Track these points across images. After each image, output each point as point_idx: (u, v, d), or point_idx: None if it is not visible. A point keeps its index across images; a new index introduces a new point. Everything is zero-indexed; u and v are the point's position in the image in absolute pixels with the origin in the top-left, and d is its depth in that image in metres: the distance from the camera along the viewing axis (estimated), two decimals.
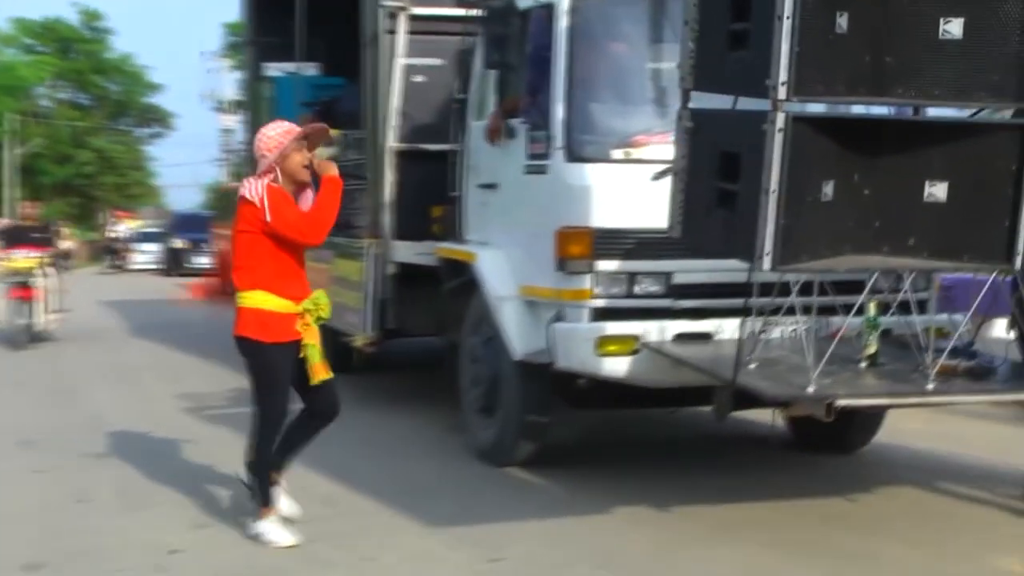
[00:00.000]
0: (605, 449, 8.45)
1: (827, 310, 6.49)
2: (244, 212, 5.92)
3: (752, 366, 6.11)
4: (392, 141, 8.97)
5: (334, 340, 10.56)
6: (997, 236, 5.06)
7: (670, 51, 7.16)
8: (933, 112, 5.32)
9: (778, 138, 4.71)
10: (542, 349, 7.07)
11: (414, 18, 8.93)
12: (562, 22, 7.04)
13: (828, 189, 4.88)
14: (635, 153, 6.94)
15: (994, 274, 6.10)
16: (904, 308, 6.58)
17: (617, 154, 6.94)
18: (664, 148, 6.86)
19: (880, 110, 5.56)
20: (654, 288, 6.91)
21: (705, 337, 6.82)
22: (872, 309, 6.41)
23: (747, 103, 5.16)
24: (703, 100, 5.56)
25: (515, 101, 7.41)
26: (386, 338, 9.24)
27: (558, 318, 6.96)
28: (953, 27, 4.74)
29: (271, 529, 6.09)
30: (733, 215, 5.11)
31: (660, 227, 6.70)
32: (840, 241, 5.08)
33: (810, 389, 5.68)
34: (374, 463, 7.63)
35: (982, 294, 6.14)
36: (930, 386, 5.86)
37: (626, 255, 6.85)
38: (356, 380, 10.39)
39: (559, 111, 6.98)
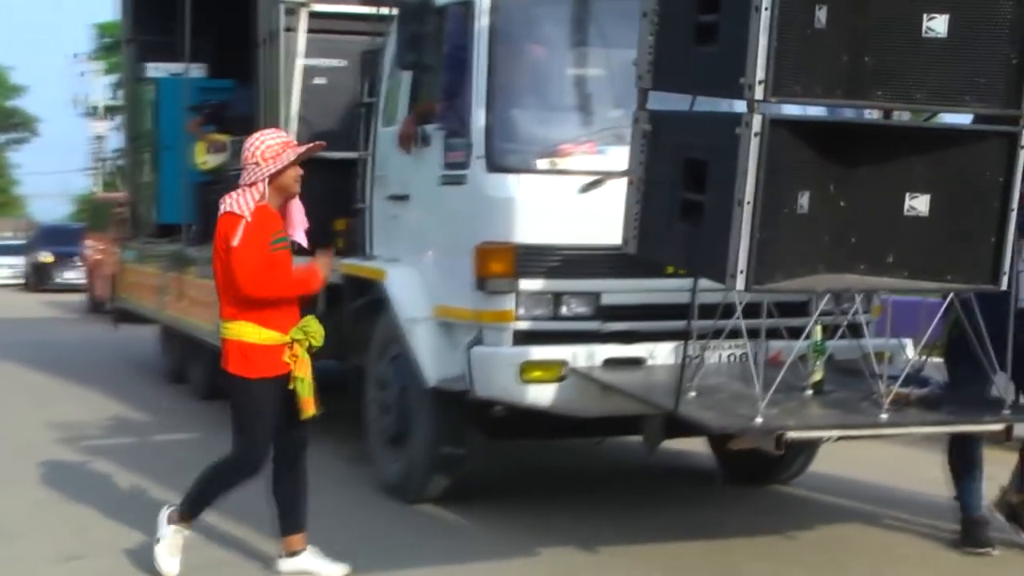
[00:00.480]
0: (525, 483, 7.92)
1: (764, 333, 6.06)
2: (227, 228, 5.38)
3: (691, 395, 5.64)
4: None
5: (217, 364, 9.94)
6: (983, 254, 4.62)
7: (597, 55, 6.79)
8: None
9: (754, 143, 4.21)
10: (458, 375, 6.51)
11: (315, 15, 8.32)
12: (482, 21, 6.51)
13: (804, 200, 4.40)
14: (561, 163, 6.45)
15: (950, 296, 5.72)
16: (845, 331, 6.23)
17: (542, 164, 6.43)
18: (593, 158, 6.48)
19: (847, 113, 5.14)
20: (581, 310, 6.41)
21: (637, 363, 6.34)
22: (818, 333, 6.00)
23: (710, 103, 4.68)
24: (660, 101, 5.07)
25: (430, 106, 6.85)
26: None
27: (477, 342, 6.41)
28: (937, 24, 4.29)
29: (168, 547, 5.64)
30: (699, 229, 4.60)
31: (588, 243, 6.33)
32: (814, 258, 4.60)
33: (758, 420, 5.24)
34: (266, 495, 6.97)
35: (938, 316, 5.74)
36: (883, 416, 5.47)
37: (551, 274, 6.34)
38: None
39: (479, 117, 6.44)
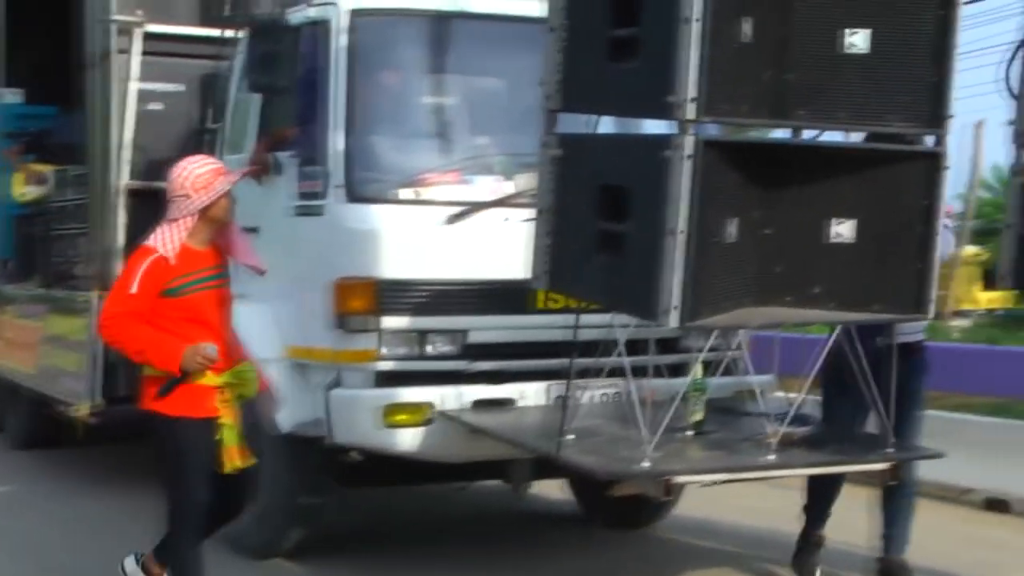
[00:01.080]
0: (385, 532, 7.46)
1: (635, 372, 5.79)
2: (132, 262, 4.94)
3: (569, 438, 5.33)
4: (124, 178, 7.74)
5: (41, 410, 9.25)
6: (907, 282, 4.40)
7: (463, 80, 6.54)
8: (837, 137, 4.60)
9: (687, 166, 3.89)
10: (314, 420, 6.09)
11: (150, 36, 7.77)
12: (339, 41, 6.13)
13: (732, 228, 4.10)
14: (425, 193, 6.09)
15: (835, 332, 5.53)
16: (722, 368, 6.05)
17: (405, 194, 6.08)
18: (458, 188, 6.15)
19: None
20: (447, 348, 6.05)
21: (507, 404, 6.02)
22: (699, 371, 5.77)
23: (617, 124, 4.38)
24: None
25: (283, 132, 6.40)
26: (112, 406, 7.96)
27: (335, 384, 6.01)
28: (858, 39, 4.07)
29: None
30: (622, 261, 4.25)
31: (454, 278, 6.00)
32: (741, 290, 4.30)
33: (644, 465, 4.97)
34: (101, 554, 6.39)
35: (825, 351, 5.53)
36: (771, 457, 5.27)
37: (416, 310, 5.98)
38: (75, 455, 9.14)
39: (337, 144, 6.05)
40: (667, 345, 6.07)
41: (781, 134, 4.62)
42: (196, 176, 4.90)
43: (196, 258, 4.91)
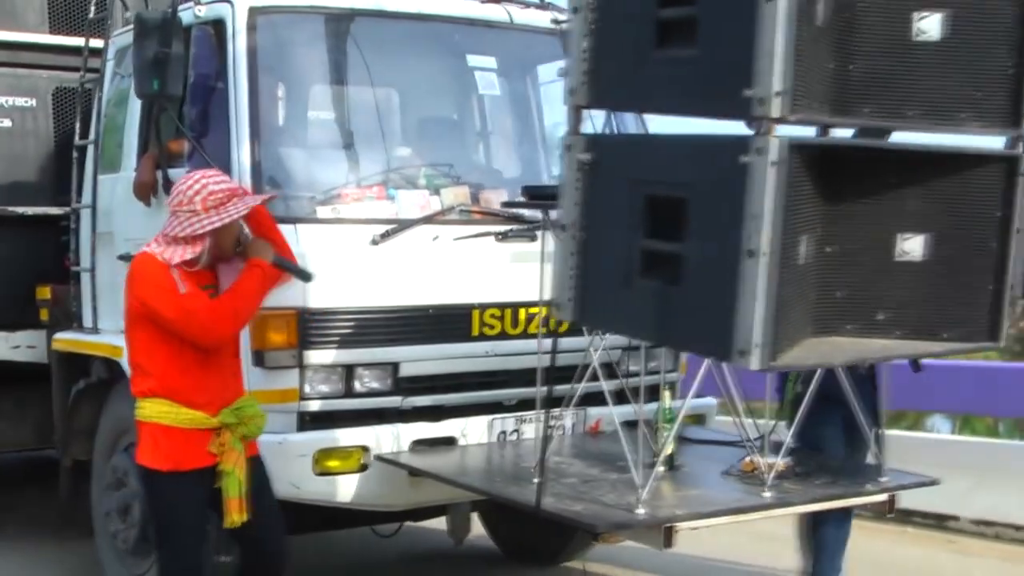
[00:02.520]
0: None
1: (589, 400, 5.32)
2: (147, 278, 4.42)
3: (534, 481, 4.73)
4: None
5: None
6: (980, 305, 3.87)
7: (383, 83, 5.90)
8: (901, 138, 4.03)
9: (771, 175, 3.25)
10: None
11: None
12: (239, 42, 5.41)
13: (803, 248, 3.50)
14: (345, 211, 5.43)
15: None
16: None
17: (323, 212, 5.39)
18: (382, 204, 5.50)
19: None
20: (378, 384, 5.39)
21: (449, 443, 5.40)
22: (667, 399, 5.26)
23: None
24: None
25: (175, 145, 5.63)
26: None
27: None
28: (930, 24, 3.55)
29: None
30: (676, 288, 3.59)
31: (382, 304, 5.35)
32: (804, 318, 3.67)
33: (640, 511, 4.42)
34: None
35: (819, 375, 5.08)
36: (768, 494, 4.77)
37: (342, 342, 5.29)
38: None
39: (242, 157, 5.31)
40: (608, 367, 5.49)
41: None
42: (210, 192, 4.33)
43: (195, 275, 4.41)
